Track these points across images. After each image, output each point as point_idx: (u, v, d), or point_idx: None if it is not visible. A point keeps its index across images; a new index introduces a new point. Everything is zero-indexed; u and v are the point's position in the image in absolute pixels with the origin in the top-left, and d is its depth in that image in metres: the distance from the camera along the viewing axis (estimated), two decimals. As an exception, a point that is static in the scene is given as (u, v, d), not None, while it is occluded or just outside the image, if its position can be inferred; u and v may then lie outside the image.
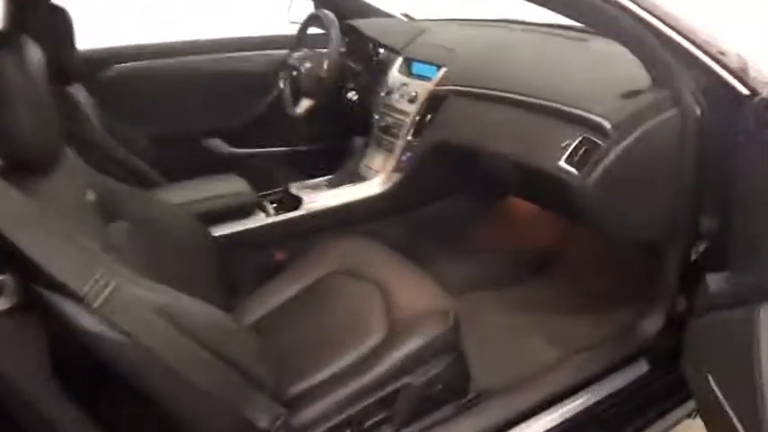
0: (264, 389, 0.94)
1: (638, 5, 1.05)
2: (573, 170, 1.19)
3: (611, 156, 1.15)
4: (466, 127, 1.50)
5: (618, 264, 1.66)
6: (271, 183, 1.99)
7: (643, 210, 1.24)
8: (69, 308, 0.74)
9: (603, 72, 1.33)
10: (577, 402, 1.31)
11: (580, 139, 1.21)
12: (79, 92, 1.68)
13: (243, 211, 1.54)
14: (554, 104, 1.28)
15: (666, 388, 1.38)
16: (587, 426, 1.31)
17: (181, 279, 1.12)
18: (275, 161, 2.26)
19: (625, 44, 1.13)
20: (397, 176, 1.69)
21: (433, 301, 1.23)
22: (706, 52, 1.08)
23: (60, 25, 1.49)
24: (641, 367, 1.37)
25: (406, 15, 2.25)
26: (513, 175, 1.57)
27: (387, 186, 1.69)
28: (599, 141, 1.16)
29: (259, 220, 1.55)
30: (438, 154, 1.62)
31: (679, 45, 1.09)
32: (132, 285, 0.78)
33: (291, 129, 2.24)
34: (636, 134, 1.14)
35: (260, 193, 1.65)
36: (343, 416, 1.08)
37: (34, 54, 0.87)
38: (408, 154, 1.68)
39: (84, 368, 0.85)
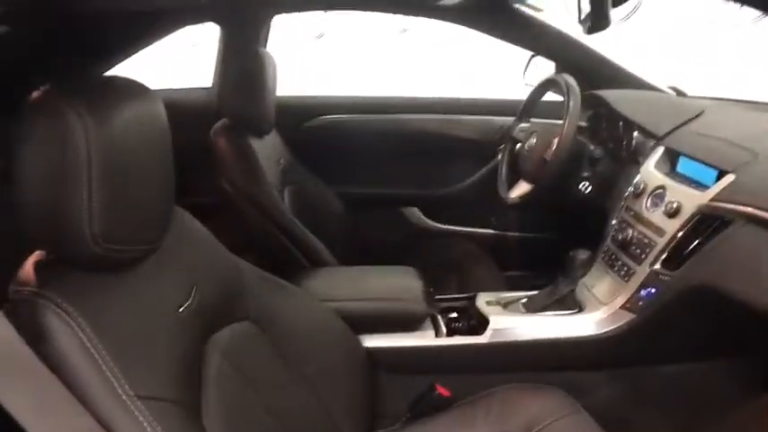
0: None
1: None
2: None
3: None
4: (753, 274, 0.95)
5: None
6: (460, 274, 1.64)
7: None
8: None
9: None
10: None
11: None
12: (267, 143, 1.55)
13: (407, 322, 1.19)
14: None
15: None
16: None
17: (312, 398, 0.97)
18: (476, 244, 1.90)
19: None
20: (628, 316, 1.17)
21: None
22: None
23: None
24: None
25: (676, 90, 1.72)
26: None
27: (612, 327, 1.18)
28: None
29: (425, 339, 1.19)
30: (699, 301, 1.08)
31: None
32: None
33: (503, 210, 1.87)
34: None
35: (437, 297, 1.29)
36: None
37: None
38: (651, 289, 1.15)
39: None
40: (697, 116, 1.35)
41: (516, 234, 1.94)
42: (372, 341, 1.16)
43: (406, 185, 1.92)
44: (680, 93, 1.71)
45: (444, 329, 1.21)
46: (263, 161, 1.47)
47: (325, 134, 1.87)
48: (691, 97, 1.62)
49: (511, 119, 1.72)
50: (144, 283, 0.75)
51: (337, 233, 1.72)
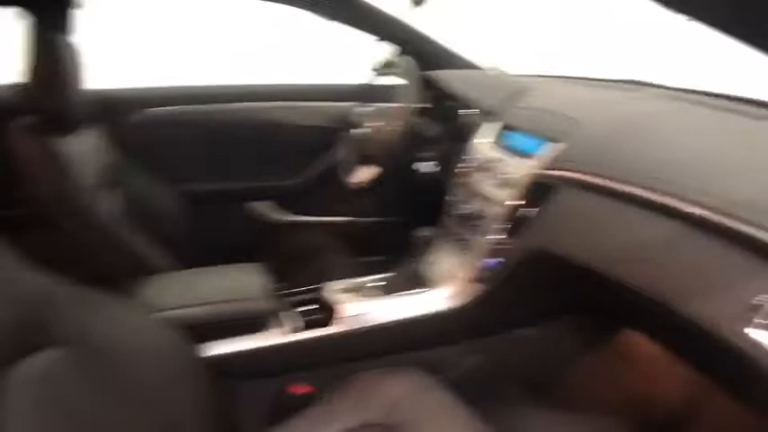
0: None
1: None
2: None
3: None
4: (591, 240, 1.00)
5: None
6: (313, 266, 1.58)
7: None
8: None
9: None
10: None
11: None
12: (81, 142, 1.35)
13: (252, 324, 1.10)
14: (753, 230, 0.76)
15: None
16: None
17: (144, 423, 0.82)
18: (330, 234, 1.85)
19: None
20: (475, 288, 1.19)
21: None
22: None
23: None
24: None
25: (495, 68, 1.80)
26: (654, 319, 1.03)
27: (461, 301, 1.19)
28: None
29: (274, 338, 1.11)
30: (537, 266, 1.12)
31: None
32: None
33: (349, 198, 1.83)
34: None
35: (283, 292, 1.21)
36: None
37: None
38: (494, 259, 1.18)
39: None
40: (521, 92, 1.42)
41: (367, 219, 1.92)
42: (215, 349, 1.05)
43: (252, 178, 1.80)
44: (503, 72, 1.78)
45: (293, 325, 1.13)
46: (79, 162, 1.27)
47: (157, 128, 1.68)
48: (514, 75, 1.70)
49: (350, 104, 1.69)
50: None
51: (180, 235, 1.56)
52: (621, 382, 1.32)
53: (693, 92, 1.22)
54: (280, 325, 1.12)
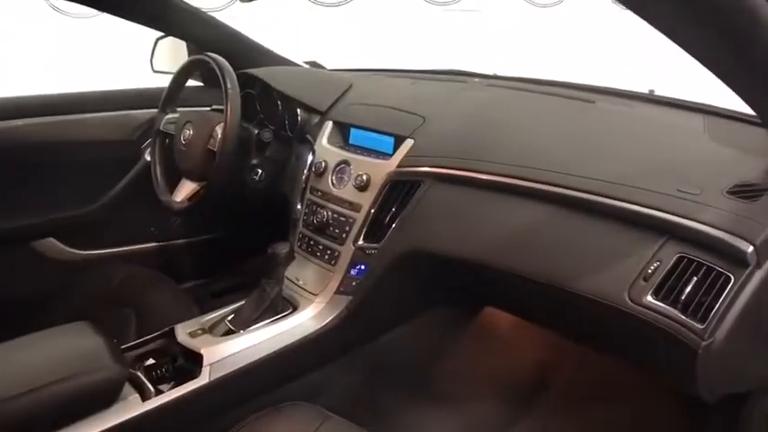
0: None
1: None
2: (681, 315, 0.74)
3: (748, 292, 0.72)
4: (464, 231, 1.00)
5: (639, 387, 1.25)
6: (137, 306, 1.34)
7: (762, 360, 0.83)
8: None
9: (681, 151, 0.91)
10: None
11: (676, 259, 0.77)
12: None
13: (102, 398, 0.87)
14: (622, 204, 0.83)
15: None
16: None
17: None
18: (148, 263, 1.59)
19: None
20: (346, 300, 1.12)
21: None
22: None
23: None
24: None
25: (314, 64, 1.73)
26: (540, 303, 1.08)
27: (332, 316, 1.11)
28: (723, 269, 0.73)
29: (132, 408, 0.90)
30: (407, 266, 1.10)
31: None
32: None
33: (161, 219, 1.60)
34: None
35: (125, 346, 1.00)
36: None
37: None
38: (360, 266, 1.12)
39: None
40: (350, 88, 1.37)
41: (184, 241, 1.70)
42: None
43: (32, 214, 1.45)
44: (319, 66, 1.72)
45: (152, 387, 0.93)
46: None
47: None
48: (333, 70, 1.65)
49: (151, 111, 1.46)
50: None
51: None
52: (490, 358, 1.38)
53: (516, 79, 1.31)
54: (136, 390, 0.91)
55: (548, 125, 1.05)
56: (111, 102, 1.53)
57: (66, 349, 0.88)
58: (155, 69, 1.60)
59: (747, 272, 0.71)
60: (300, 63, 1.69)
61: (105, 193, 1.54)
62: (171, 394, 0.93)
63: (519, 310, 1.23)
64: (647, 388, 1.23)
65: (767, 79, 0.64)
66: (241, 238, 1.61)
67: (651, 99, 1.16)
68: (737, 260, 0.71)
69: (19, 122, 1.40)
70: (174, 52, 1.59)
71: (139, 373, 0.95)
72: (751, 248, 0.70)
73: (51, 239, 1.50)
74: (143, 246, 1.63)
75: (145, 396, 0.91)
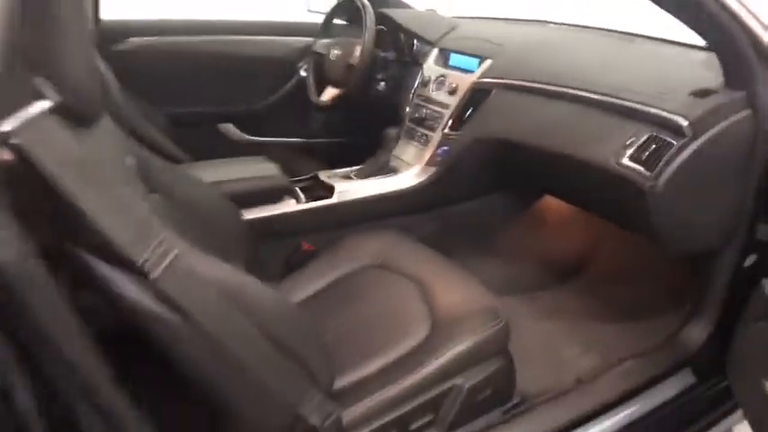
0: (320, 384, 0.85)
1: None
2: (641, 169, 1.13)
3: (684, 155, 1.10)
4: (514, 122, 1.44)
5: (655, 270, 1.61)
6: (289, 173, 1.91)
7: (706, 214, 1.19)
8: (116, 277, 0.64)
9: (666, 71, 1.28)
10: (622, 414, 1.25)
11: (647, 136, 1.16)
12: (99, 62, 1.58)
13: (273, 196, 1.45)
14: (618, 101, 1.22)
15: (712, 399, 1.33)
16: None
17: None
18: (292, 152, 2.17)
19: (711, 40, 1.08)
20: (431, 170, 1.62)
21: (479, 299, 1.16)
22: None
23: None
24: (687, 377, 1.32)
25: (431, 11, 2.19)
26: (562, 175, 1.50)
27: (420, 180, 1.62)
28: (671, 140, 1.11)
29: (289, 206, 1.47)
30: (478, 149, 1.55)
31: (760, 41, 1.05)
32: (195, 257, 0.69)
33: (311, 119, 2.16)
34: (709, 134, 1.09)
35: (291, 179, 1.57)
36: (390, 416, 1.00)
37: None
38: (444, 147, 1.61)
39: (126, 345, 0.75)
40: (454, 28, 1.83)
41: (319, 140, 2.26)
42: (248, 214, 1.39)
43: (219, 103, 2.08)
44: (436, 12, 2.18)
45: (303, 198, 1.50)
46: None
47: (140, 56, 1.91)
48: (445, 17, 2.11)
49: (307, 39, 2.01)
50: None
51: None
52: (542, 236, 1.81)
53: (584, 27, 1.69)
54: (292, 198, 1.48)
55: (588, 54, 1.45)
56: (283, 29, 2.11)
57: (257, 165, 1.45)
58: (310, 9, 2.15)
59: (684, 140, 1.09)
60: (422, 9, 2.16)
61: (268, 97, 2.13)
62: (313, 204, 1.48)
63: (564, 196, 1.64)
64: (659, 274, 1.60)
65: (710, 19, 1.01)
66: (360, 143, 2.14)
67: (659, 39, 1.50)
68: (678, 132, 1.09)
69: (216, 38, 2.01)
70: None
71: (297, 188, 1.51)
72: (686, 122, 1.08)
73: (230, 125, 2.13)
74: (291, 140, 2.22)
75: (298, 201, 1.47)
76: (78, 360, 0.63)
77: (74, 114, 0.65)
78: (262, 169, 1.45)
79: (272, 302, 0.81)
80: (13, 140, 0.54)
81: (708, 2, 0.99)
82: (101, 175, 0.62)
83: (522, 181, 1.74)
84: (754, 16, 1.02)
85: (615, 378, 1.29)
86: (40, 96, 0.58)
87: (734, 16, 1.01)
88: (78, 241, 0.63)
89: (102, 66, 1.61)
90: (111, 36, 1.86)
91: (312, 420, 0.83)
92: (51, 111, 0.58)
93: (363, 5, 1.75)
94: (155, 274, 0.63)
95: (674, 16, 1.06)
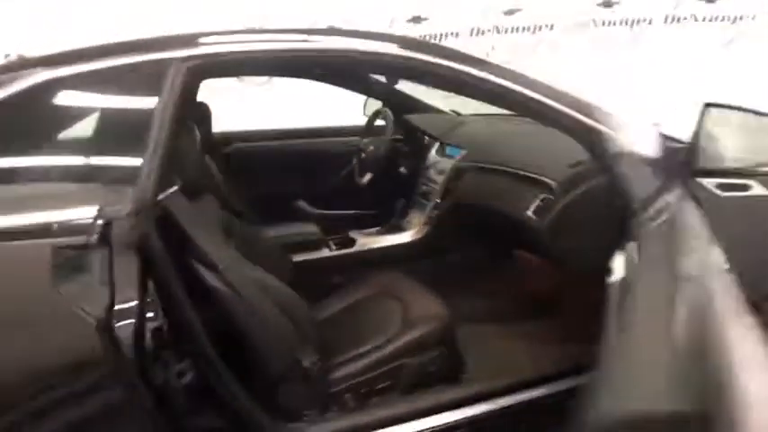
0: (309, 340, 1.47)
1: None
2: (534, 216, 1.70)
3: (559, 206, 1.65)
4: (476, 191, 2.06)
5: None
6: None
7: (590, 243, 1.66)
8: (209, 276, 1.30)
9: (558, 148, 1.82)
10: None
11: (543, 197, 1.72)
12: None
13: (313, 246, 2.15)
14: (529, 173, 1.81)
15: None
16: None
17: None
18: (340, 220, 2.89)
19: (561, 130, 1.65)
20: (426, 228, 2.26)
21: (434, 309, 1.72)
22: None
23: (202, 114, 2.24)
24: None
25: (454, 111, 2.86)
26: (504, 227, 2.05)
27: (418, 235, 2.26)
28: (551, 197, 1.68)
29: (324, 253, 2.16)
30: (456, 211, 2.17)
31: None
32: (244, 266, 1.38)
33: (358, 195, 2.88)
34: (578, 191, 1.64)
35: (328, 237, 2.26)
36: (362, 378, 1.57)
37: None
38: (435, 211, 2.25)
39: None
40: (459, 125, 2.49)
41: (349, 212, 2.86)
42: (296, 257, 2.08)
43: (296, 186, 2.83)
44: (456, 113, 2.84)
45: (334, 248, 2.19)
46: None
47: (243, 157, 2.73)
48: (461, 115, 2.76)
49: (357, 138, 2.75)
50: None
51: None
52: (516, 283, 2.33)
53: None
54: (327, 247, 2.18)
55: (521, 138, 2.05)
56: (336, 131, 2.89)
57: (301, 228, 2.17)
58: (365, 114, 2.91)
59: (558, 195, 1.65)
60: (446, 110, 2.85)
61: (333, 180, 2.87)
62: (338, 251, 2.16)
63: (523, 246, 2.18)
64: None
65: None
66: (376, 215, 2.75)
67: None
68: (553, 192, 1.66)
69: (291, 141, 2.82)
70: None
71: (330, 241, 2.21)
72: (555, 184, 1.64)
73: (303, 202, 2.88)
74: (346, 212, 2.91)
75: (330, 250, 2.17)
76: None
77: (189, 191, 1.40)
78: (306, 229, 2.17)
79: (284, 291, 1.46)
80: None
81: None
82: (204, 221, 1.35)
83: (492, 238, 2.30)
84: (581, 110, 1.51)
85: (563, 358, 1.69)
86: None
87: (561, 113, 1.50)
88: (192, 256, 1.33)
89: (213, 165, 2.44)
90: (221, 142, 2.71)
91: (304, 363, 1.45)
92: (179, 190, 1.33)
93: (386, 115, 2.46)
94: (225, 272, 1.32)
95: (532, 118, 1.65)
